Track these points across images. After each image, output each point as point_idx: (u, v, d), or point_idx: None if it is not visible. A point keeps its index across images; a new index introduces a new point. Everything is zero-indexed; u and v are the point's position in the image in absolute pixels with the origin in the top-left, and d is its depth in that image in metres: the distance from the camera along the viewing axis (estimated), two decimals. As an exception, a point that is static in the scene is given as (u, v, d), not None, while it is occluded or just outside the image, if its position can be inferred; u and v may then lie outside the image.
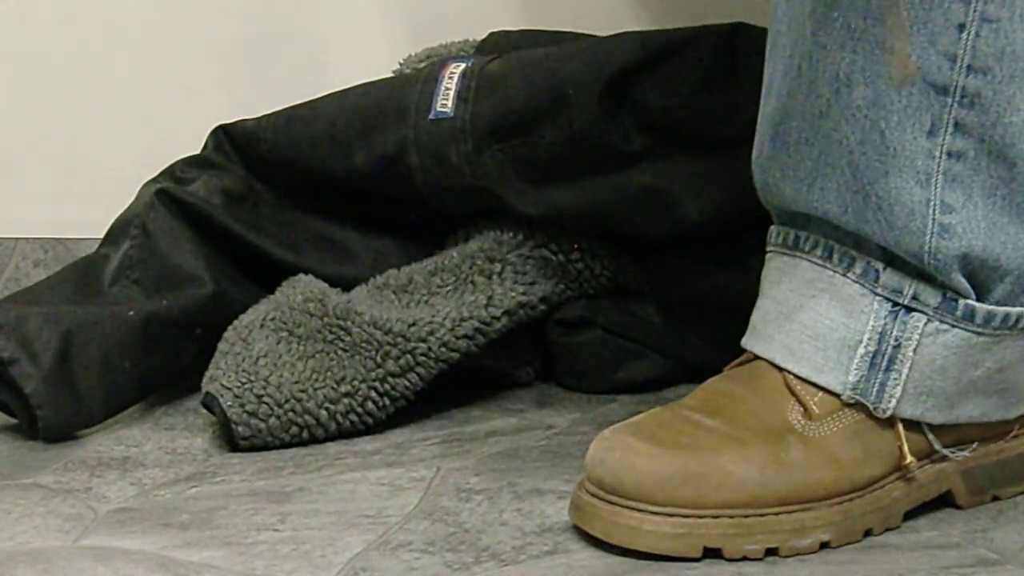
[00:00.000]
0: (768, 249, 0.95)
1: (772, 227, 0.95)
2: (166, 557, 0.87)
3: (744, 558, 0.86)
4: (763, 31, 1.13)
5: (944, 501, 0.93)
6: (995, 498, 0.95)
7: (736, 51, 1.16)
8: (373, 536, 0.90)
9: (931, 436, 0.91)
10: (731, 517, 0.85)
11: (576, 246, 1.18)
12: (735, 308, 0.99)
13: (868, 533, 0.89)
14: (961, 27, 0.85)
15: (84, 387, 1.10)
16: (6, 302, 1.16)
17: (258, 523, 0.92)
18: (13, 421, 1.12)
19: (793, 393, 0.90)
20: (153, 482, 1.01)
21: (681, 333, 1.20)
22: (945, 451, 0.91)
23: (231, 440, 1.07)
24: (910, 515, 0.92)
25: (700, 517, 0.85)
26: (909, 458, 0.90)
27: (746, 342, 0.93)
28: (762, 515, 0.86)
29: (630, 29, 1.21)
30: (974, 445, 0.93)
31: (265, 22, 1.42)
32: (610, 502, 0.86)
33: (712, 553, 0.85)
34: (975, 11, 0.85)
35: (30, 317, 1.10)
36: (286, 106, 1.25)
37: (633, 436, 0.87)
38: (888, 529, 0.90)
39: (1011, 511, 0.94)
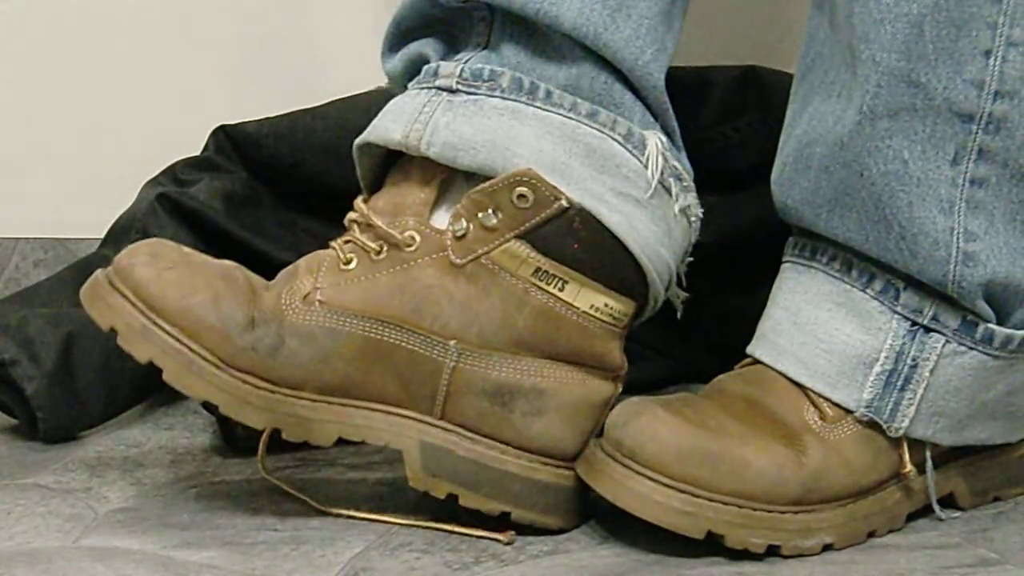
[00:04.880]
0: (784, 259, 0.94)
1: (790, 238, 0.95)
2: (166, 557, 0.87)
3: (745, 550, 0.85)
4: (775, 72, 1.16)
5: (945, 502, 0.93)
6: (996, 499, 0.95)
7: (748, 91, 1.17)
8: (373, 536, 0.90)
9: (929, 452, 0.91)
10: (740, 507, 0.85)
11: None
12: (742, 326, 0.98)
13: (872, 535, 0.89)
14: (988, 53, 0.85)
15: (85, 388, 1.10)
16: (7, 303, 1.15)
17: (258, 523, 0.92)
18: (13, 421, 1.12)
19: (806, 396, 0.90)
20: (153, 482, 1.01)
21: (683, 335, 1.19)
22: (928, 473, 0.91)
23: (231, 440, 1.07)
24: (911, 515, 0.92)
25: (711, 500, 0.84)
26: (909, 467, 0.89)
27: (754, 349, 0.93)
28: (770, 511, 0.86)
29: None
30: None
31: (266, 22, 1.42)
32: (625, 465, 0.85)
33: (714, 538, 0.85)
34: (1001, 36, 0.85)
35: (31, 318, 1.10)
36: (288, 111, 1.24)
37: (661, 407, 0.87)
38: (891, 531, 0.90)
39: (1011, 511, 0.94)
